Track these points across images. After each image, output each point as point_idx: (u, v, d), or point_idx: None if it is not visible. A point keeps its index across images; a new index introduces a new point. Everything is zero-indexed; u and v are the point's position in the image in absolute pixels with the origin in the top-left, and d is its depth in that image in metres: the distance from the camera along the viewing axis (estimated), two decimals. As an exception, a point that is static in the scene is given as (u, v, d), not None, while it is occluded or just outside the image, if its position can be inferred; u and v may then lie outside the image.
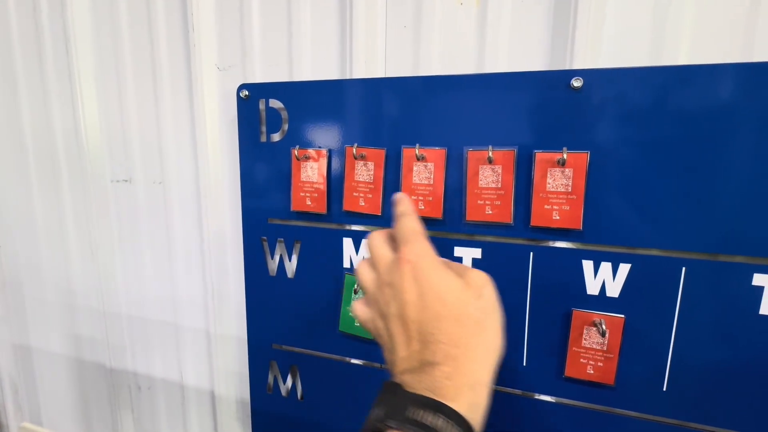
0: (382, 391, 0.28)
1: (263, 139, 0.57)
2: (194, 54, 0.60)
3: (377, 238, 0.34)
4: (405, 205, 0.34)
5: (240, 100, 0.57)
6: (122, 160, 0.70)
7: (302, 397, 0.61)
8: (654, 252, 0.44)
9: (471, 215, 0.48)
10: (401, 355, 0.29)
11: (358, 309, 0.34)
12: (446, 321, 0.27)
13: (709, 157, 0.40)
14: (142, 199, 0.70)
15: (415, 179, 0.50)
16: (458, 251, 0.50)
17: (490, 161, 0.46)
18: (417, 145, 0.48)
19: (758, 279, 0.41)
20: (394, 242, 0.33)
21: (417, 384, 0.26)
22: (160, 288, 0.72)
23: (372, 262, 0.33)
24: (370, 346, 0.56)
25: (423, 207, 0.50)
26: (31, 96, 0.74)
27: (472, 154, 0.47)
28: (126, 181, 0.71)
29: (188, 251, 0.69)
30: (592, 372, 0.47)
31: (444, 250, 0.50)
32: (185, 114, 0.64)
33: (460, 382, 0.26)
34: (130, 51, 0.66)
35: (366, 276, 0.33)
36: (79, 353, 0.82)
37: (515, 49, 0.47)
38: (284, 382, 0.62)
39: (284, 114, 0.55)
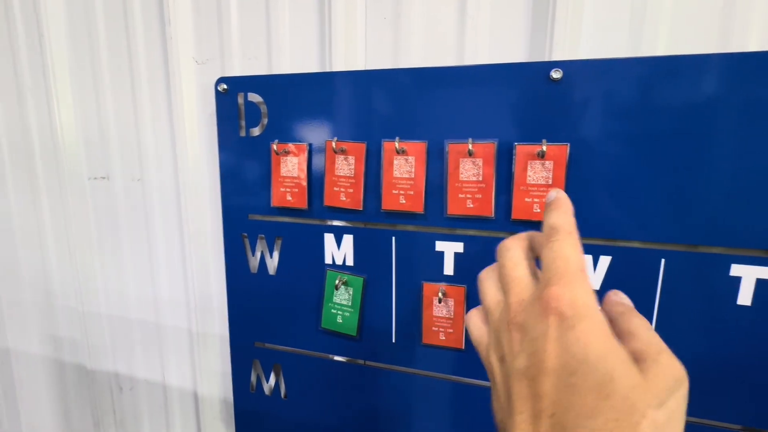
0: None
1: (242, 133, 0.56)
2: (171, 47, 0.58)
3: (515, 248, 0.25)
4: (563, 213, 0.24)
5: (218, 94, 0.56)
6: (99, 156, 0.69)
7: (286, 396, 0.61)
8: (634, 244, 0.44)
9: (452, 209, 0.48)
10: (520, 428, 0.21)
11: (473, 322, 0.26)
12: (602, 420, 0.19)
13: (688, 148, 0.40)
14: (120, 197, 0.69)
15: (396, 173, 0.49)
16: (440, 245, 0.50)
17: (470, 154, 0.46)
18: (397, 138, 0.48)
19: (736, 269, 0.41)
20: (533, 259, 0.25)
21: None
22: (141, 287, 0.71)
23: (503, 278, 0.25)
24: (352, 343, 0.55)
25: (404, 201, 0.49)
26: (4, 92, 0.72)
27: (453, 147, 0.47)
28: (104, 178, 0.69)
29: (169, 249, 0.67)
30: (573, 365, 0.47)
31: (426, 244, 0.50)
32: (163, 109, 0.63)
33: None
34: (106, 44, 0.64)
35: (491, 292, 0.25)
36: (59, 355, 0.80)
37: (495, 40, 0.46)
38: (267, 380, 0.61)
39: (263, 108, 0.54)
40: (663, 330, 0.43)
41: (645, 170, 0.42)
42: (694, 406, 0.43)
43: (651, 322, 0.44)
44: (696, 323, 0.43)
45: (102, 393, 0.79)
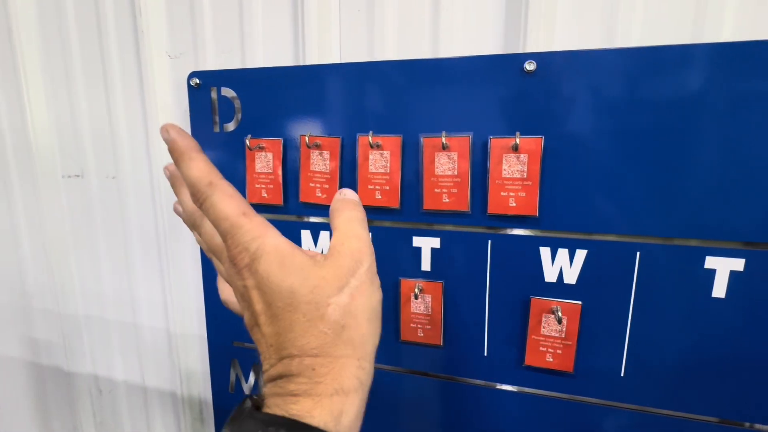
0: (233, 414, 0.24)
1: (216, 129, 0.54)
2: (143, 41, 0.57)
3: (199, 221, 0.29)
4: (196, 162, 0.24)
5: (191, 89, 0.54)
6: (73, 154, 0.67)
7: (265, 395, 0.60)
8: (610, 237, 0.43)
9: (428, 204, 0.47)
10: (264, 369, 0.24)
11: (223, 293, 0.31)
12: (298, 329, 0.23)
13: (664, 141, 0.40)
14: (95, 195, 0.67)
15: (372, 168, 0.48)
16: (417, 241, 0.49)
17: (445, 148, 0.45)
18: (370, 132, 0.47)
19: (710, 262, 0.41)
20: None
21: (273, 401, 0.23)
22: (118, 287, 0.70)
23: (212, 248, 0.30)
24: (331, 340, 0.55)
25: (380, 197, 0.49)
26: (-26, 88, 0.70)
27: (428, 141, 0.46)
28: (78, 176, 0.68)
29: (145, 248, 0.66)
30: (551, 360, 0.46)
31: (402, 239, 0.49)
32: (137, 104, 0.61)
33: (320, 392, 0.22)
34: (78, 39, 0.63)
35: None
36: (36, 358, 0.79)
37: (470, 32, 0.46)
38: (246, 380, 0.60)
39: (237, 103, 0.53)
40: (639, 324, 0.43)
41: (621, 163, 0.42)
42: (670, 400, 0.43)
43: (627, 316, 0.44)
44: (671, 315, 0.42)
45: (81, 396, 0.77)
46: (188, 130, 0.56)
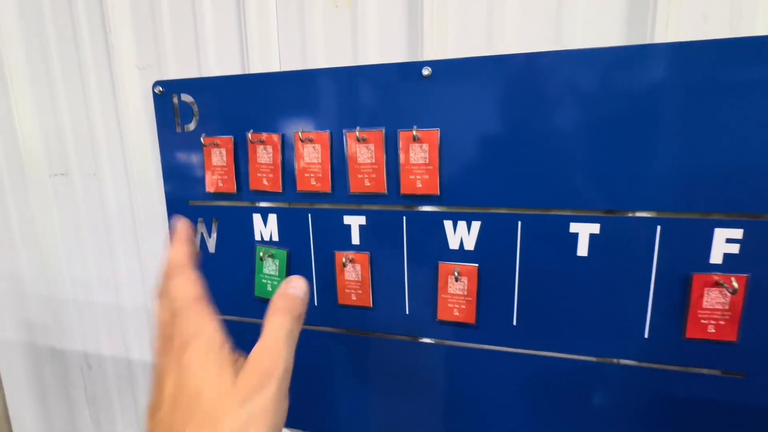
0: None
1: (179, 129, 0.63)
2: (114, 55, 0.66)
3: (159, 298, 0.27)
4: (178, 247, 0.27)
5: (155, 96, 0.63)
6: (58, 155, 0.76)
7: (231, 359, 0.69)
8: (498, 210, 0.53)
9: (354, 188, 0.56)
10: None
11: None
12: (191, 427, 0.22)
13: (531, 131, 0.49)
14: (79, 190, 0.76)
15: (306, 159, 0.58)
16: (347, 219, 0.58)
17: (363, 140, 0.54)
18: (301, 129, 0.56)
19: (574, 227, 0.50)
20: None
21: None
22: (102, 271, 0.79)
23: (157, 325, 0.27)
24: (283, 308, 0.64)
25: (315, 183, 0.58)
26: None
27: (350, 135, 0.55)
28: (63, 174, 0.77)
29: (124, 236, 0.75)
30: (458, 314, 0.56)
31: (334, 219, 0.59)
32: (111, 110, 0.70)
33: None
34: (57, 54, 0.71)
35: (156, 339, 0.27)
36: (32, 338, 0.88)
37: (382, 43, 0.55)
38: (214, 346, 0.70)
39: (195, 107, 0.62)
40: (524, 279, 0.53)
41: (503, 149, 0.51)
42: (555, 343, 0.53)
43: (515, 274, 0.53)
44: (548, 272, 0.52)
45: (73, 371, 0.86)
46: (155, 130, 0.65)
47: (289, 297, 0.27)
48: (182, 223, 0.29)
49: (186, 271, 0.26)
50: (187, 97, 0.62)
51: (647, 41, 0.47)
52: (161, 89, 0.63)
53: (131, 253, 0.75)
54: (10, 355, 0.91)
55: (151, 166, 0.70)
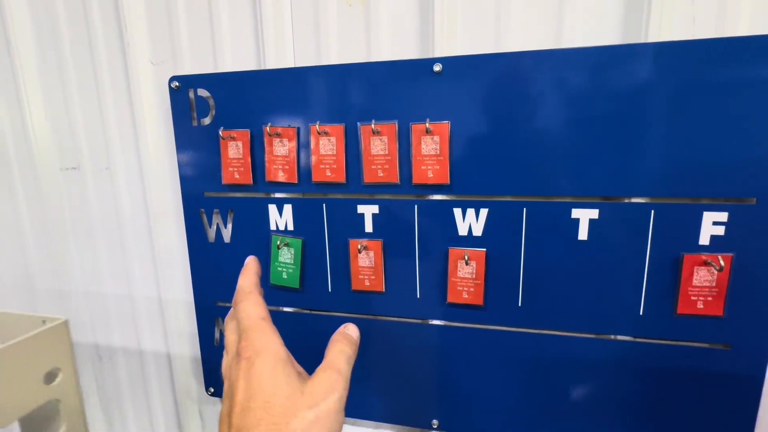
0: None
1: (194, 123, 0.66)
2: (129, 52, 0.68)
3: (227, 321, 0.33)
4: (247, 277, 0.32)
5: (172, 91, 0.65)
6: (71, 153, 0.77)
7: (245, 346, 0.71)
8: (505, 198, 0.56)
9: (367, 178, 0.59)
10: None
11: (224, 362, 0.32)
12: (263, 429, 0.25)
13: (536, 126, 0.53)
14: (91, 184, 0.78)
15: (322, 151, 0.60)
16: (360, 209, 0.61)
17: (377, 133, 0.57)
18: (318, 122, 0.59)
19: (575, 213, 0.54)
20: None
21: None
22: (114, 265, 0.80)
23: (226, 344, 0.32)
24: (297, 295, 0.67)
25: (330, 174, 0.61)
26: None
27: (364, 128, 0.58)
28: (75, 168, 0.78)
29: (137, 229, 0.77)
30: (466, 296, 0.59)
31: (349, 208, 0.62)
32: (125, 106, 0.72)
33: None
34: (71, 53, 0.73)
35: (225, 352, 0.32)
36: (41, 332, 0.89)
37: (394, 40, 0.58)
38: (228, 334, 0.72)
39: (211, 101, 0.64)
40: (529, 263, 0.56)
41: (508, 140, 0.54)
42: (557, 322, 0.57)
43: (520, 257, 0.57)
44: (551, 255, 0.56)
45: (84, 364, 0.88)
46: (171, 125, 0.67)
47: (348, 335, 0.33)
48: (252, 259, 0.35)
49: (252, 296, 0.31)
50: (203, 92, 0.64)
51: (641, 41, 0.51)
52: (177, 84, 0.65)
53: (144, 246, 0.77)
54: (18, 349, 0.91)
55: (165, 159, 0.71)
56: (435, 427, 0.65)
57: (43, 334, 0.50)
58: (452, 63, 0.54)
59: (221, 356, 0.75)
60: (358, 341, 0.34)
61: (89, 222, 0.79)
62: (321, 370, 0.29)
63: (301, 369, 0.30)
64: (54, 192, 0.80)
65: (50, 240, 0.82)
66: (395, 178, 0.58)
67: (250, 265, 0.35)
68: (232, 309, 0.32)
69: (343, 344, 0.32)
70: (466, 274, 0.59)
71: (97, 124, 0.74)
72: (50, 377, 0.52)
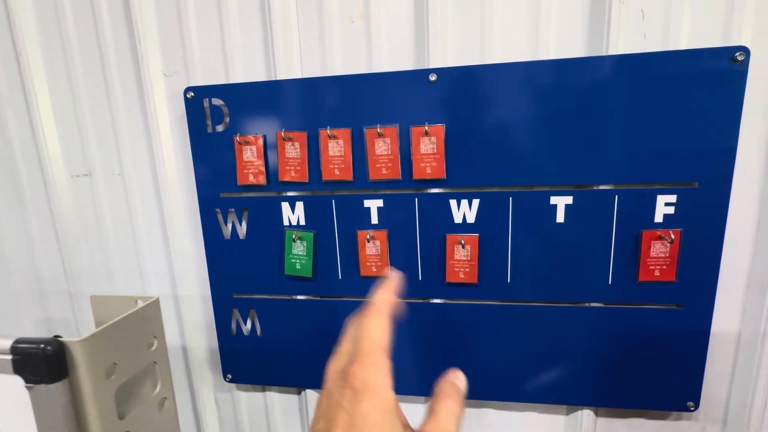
0: None
1: (210, 130, 0.71)
2: (143, 63, 0.72)
3: (350, 326, 0.29)
4: (382, 292, 0.29)
5: (187, 100, 0.71)
6: (80, 156, 0.81)
7: (261, 333, 0.78)
8: (493, 189, 0.65)
9: (373, 176, 0.67)
10: None
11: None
12: None
13: (517, 127, 0.62)
14: (103, 189, 0.82)
15: (331, 153, 0.67)
16: (366, 203, 0.69)
17: (380, 135, 0.65)
18: (328, 127, 0.66)
19: (553, 200, 0.63)
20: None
21: None
22: (128, 266, 0.84)
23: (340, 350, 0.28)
24: (309, 283, 0.74)
25: (338, 173, 0.68)
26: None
27: (369, 132, 0.65)
28: (87, 175, 0.82)
29: (151, 232, 0.81)
30: (463, 276, 0.68)
31: (356, 203, 0.69)
32: (138, 115, 0.76)
33: None
34: (81, 64, 0.76)
35: (336, 356, 0.28)
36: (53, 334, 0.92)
37: (393, 53, 0.66)
38: (245, 323, 0.78)
39: (225, 110, 0.70)
40: (515, 244, 0.66)
41: (496, 139, 0.63)
42: (540, 294, 0.66)
43: (508, 240, 0.66)
44: (533, 237, 0.65)
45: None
46: (184, 132, 0.72)
47: (459, 390, 0.29)
48: (395, 274, 0.32)
49: (383, 317, 0.28)
50: (217, 101, 0.70)
51: (603, 53, 0.60)
52: (192, 94, 0.70)
53: (158, 248, 0.82)
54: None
55: (179, 164, 0.76)
56: (438, 394, 0.74)
57: (144, 309, 0.61)
58: (446, 73, 0.62)
59: (238, 345, 0.81)
60: (465, 394, 0.30)
61: (101, 226, 0.83)
62: (428, 429, 0.26)
63: (406, 420, 0.27)
64: (64, 198, 0.83)
65: (61, 244, 0.85)
66: (397, 175, 0.66)
67: (391, 281, 0.31)
68: (359, 317, 0.29)
69: (455, 403, 0.28)
70: (462, 256, 0.67)
71: (109, 132, 0.78)
72: (150, 345, 0.63)
